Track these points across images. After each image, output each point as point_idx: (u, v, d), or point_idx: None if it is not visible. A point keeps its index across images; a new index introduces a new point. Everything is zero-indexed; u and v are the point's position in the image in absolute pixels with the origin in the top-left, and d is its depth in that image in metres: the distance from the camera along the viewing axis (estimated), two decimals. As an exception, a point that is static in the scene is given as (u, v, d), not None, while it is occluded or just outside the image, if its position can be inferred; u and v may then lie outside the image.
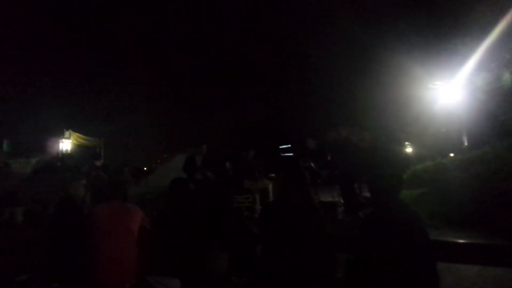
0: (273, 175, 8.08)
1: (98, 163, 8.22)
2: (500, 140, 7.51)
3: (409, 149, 16.18)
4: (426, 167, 9.15)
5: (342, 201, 6.97)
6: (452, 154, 10.66)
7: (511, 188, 4.84)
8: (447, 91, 10.66)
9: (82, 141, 16.91)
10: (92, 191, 5.45)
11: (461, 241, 4.48)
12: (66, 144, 15.94)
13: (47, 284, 3.13)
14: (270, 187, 7.47)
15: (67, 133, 16.06)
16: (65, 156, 14.92)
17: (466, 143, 10.43)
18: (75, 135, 16.44)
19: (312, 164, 7.24)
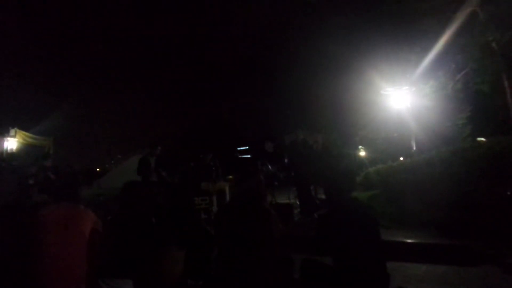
0: (230, 176, 8.07)
1: (47, 163, 7.76)
2: (445, 145, 7.98)
3: (362, 153, 16.70)
4: (378, 170, 9.51)
5: (298, 202, 7.09)
6: (402, 158, 11.14)
7: (455, 190, 5.13)
8: (398, 97, 11.07)
9: (29, 140, 15.94)
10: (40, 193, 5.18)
11: (409, 240, 4.71)
12: (11, 143, 14.98)
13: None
14: (227, 188, 7.47)
15: (12, 131, 15.09)
16: (10, 156, 14.00)
17: (414, 148, 10.93)
18: (21, 133, 15.49)
19: (270, 166, 7.32)
